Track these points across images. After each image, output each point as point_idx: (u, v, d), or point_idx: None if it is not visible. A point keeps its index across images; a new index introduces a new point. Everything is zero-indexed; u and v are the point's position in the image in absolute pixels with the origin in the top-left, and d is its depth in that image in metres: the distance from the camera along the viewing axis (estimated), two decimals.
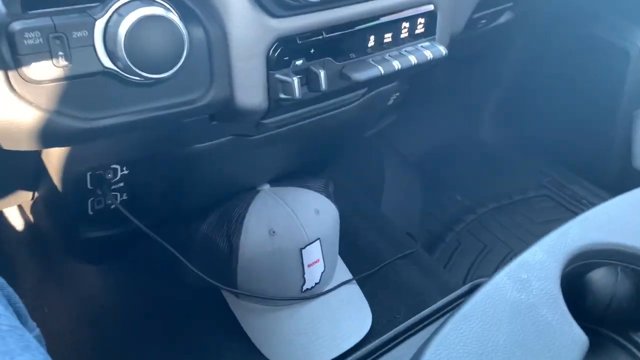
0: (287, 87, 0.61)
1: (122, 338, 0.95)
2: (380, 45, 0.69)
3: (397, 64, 0.67)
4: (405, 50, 0.70)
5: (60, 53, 0.49)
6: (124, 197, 0.80)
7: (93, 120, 0.53)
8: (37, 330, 0.54)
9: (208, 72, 0.57)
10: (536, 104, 1.58)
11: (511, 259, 1.40)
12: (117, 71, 0.52)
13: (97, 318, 0.97)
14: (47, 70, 0.49)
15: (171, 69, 0.53)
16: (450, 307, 0.99)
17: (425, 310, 0.91)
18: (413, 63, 0.69)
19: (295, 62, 0.62)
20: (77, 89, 0.51)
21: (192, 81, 0.57)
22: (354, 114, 0.86)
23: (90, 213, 0.78)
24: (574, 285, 0.56)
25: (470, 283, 1.02)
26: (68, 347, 0.95)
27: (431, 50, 0.71)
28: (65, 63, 0.49)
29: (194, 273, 0.81)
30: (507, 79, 1.62)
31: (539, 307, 0.49)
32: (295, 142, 0.87)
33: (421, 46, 0.72)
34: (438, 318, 0.96)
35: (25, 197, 0.76)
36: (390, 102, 1.04)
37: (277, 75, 0.61)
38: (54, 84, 0.50)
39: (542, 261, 0.53)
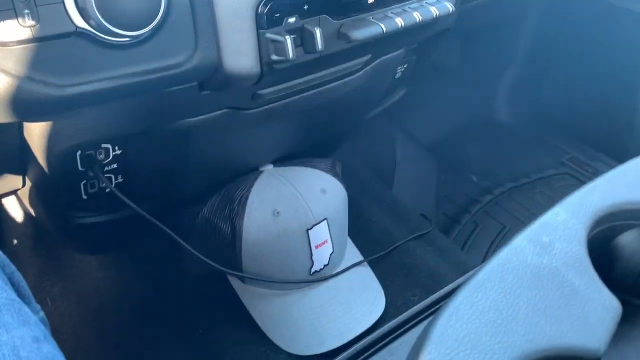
0: (279, 47, 0.56)
1: (126, 330, 0.91)
2: (382, 1, 0.64)
3: (399, 21, 0.62)
4: (409, 7, 0.65)
5: (26, 11, 0.45)
6: (119, 180, 0.76)
7: (68, 86, 0.49)
8: (42, 313, 0.51)
9: (192, 32, 0.53)
10: (554, 79, 1.52)
11: None
12: (91, 31, 0.48)
13: (100, 310, 0.94)
14: (12, 31, 0.45)
15: (148, 25, 0.48)
16: None
17: (441, 291, 0.86)
18: (417, 20, 0.64)
19: (287, 20, 0.57)
20: (48, 51, 0.47)
21: (175, 43, 0.52)
22: (358, 85, 0.81)
23: (84, 197, 0.74)
24: (601, 250, 0.50)
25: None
26: (72, 339, 0.92)
27: (437, 7, 0.66)
28: (32, 22, 0.45)
29: (197, 259, 0.76)
30: (522, 54, 1.56)
31: (563, 271, 0.44)
32: (296, 118, 0.83)
33: (426, 2, 0.67)
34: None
35: (15, 183, 0.72)
36: (398, 74, 0.99)
37: (268, 35, 0.56)
38: (22, 46, 0.46)
39: (565, 222, 0.48)
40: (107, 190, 0.76)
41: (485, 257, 1.24)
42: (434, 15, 0.65)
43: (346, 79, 0.77)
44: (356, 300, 0.87)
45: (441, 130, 1.62)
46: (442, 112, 1.63)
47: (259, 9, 0.55)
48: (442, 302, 0.85)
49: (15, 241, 1.01)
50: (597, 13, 1.35)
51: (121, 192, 0.74)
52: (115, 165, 0.73)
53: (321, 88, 0.75)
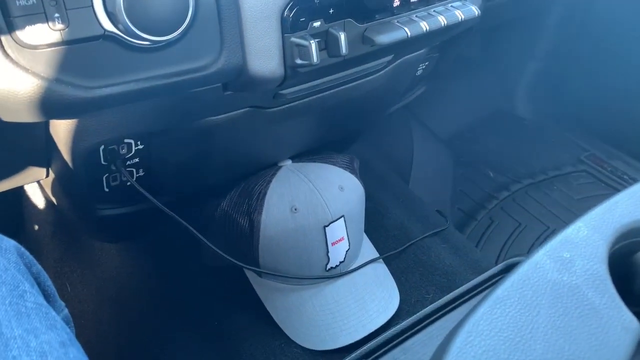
0: (303, 51, 0.56)
1: (143, 318, 0.93)
2: (407, 4, 0.64)
3: (424, 25, 0.62)
4: (434, 11, 0.65)
5: (57, 15, 0.45)
6: (140, 174, 0.77)
7: (95, 88, 0.49)
8: (66, 311, 0.52)
9: (218, 36, 0.53)
10: (575, 74, 1.49)
11: (548, 237, 1.34)
12: (119, 35, 0.48)
13: (118, 298, 0.96)
14: (43, 34, 0.46)
15: (175, 30, 0.49)
16: (482, 288, 0.93)
17: (456, 290, 0.86)
18: (442, 24, 0.63)
19: (312, 24, 0.57)
20: (76, 54, 0.48)
21: (201, 46, 0.53)
22: (379, 84, 0.80)
23: (106, 190, 0.75)
24: (622, 266, 0.50)
25: (505, 262, 0.97)
26: (89, 327, 0.94)
27: (462, 10, 0.65)
28: (62, 26, 0.46)
29: (214, 252, 0.77)
30: (544, 49, 1.53)
31: (583, 289, 0.44)
32: (317, 115, 0.83)
33: (452, 6, 0.66)
34: (470, 299, 0.91)
35: (39, 174, 0.73)
36: (419, 72, 0.99)
37: (293, 39, 0.56)
38: (52, 49, 0.46)
39: (586, 238, 0.48)
40: (129, 183, 0.77)
41: (499, 256, 1.24)
42: (460, 19, 0.65)
43: (368, 78, 0.77)
44: (371, 297, 0.88)
45: (459, 124, 1.61)
46: (460, 105, 1.61)
47: (285, 13, 0.55)
48: (456, 303, 0.85)
49: (36, 227, 1.02)
50: (622, 7, 1.32)
51: (142, 185, 0.75)
52: (137, 160, 0.74)
53: (343, 87, 0.75)
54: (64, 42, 0.46)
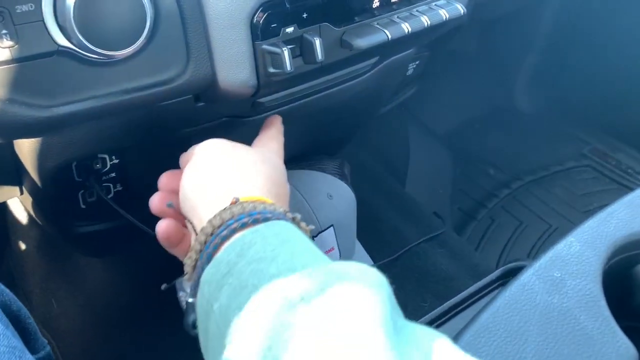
0: (276, 59, 0.53)
1: (131, 336, 0.90)
2: (388, 5, 0.60)
3: (406, 27, 0.58)
4: (417, 11, 0.61)
5: (4, 32, 0.42)
6: (118, 188, 0.74)
7: (52, 107, 0.46)
8: (48, 349, 0.50)
9: (183, 46, 0.50)
10: (575, 66, 1.45)
11: (550, 236, 1.29)
12: (73, 49, 0.45)
13: (105, 314, 0.93)
14: None
15: (133, 43, 0.45)
16: (480, 295, 0.90)
17: (454, 298, 0.82)
18: (426, 25, 0.60)
19: (285, 30, 0.53)
20: (29, 72, 0.45)
21: (165, 57, 0.50)
22: (366, 86, 0.77)
23: (83, 207, 0.72)
24: (618, 280, 0.47)
25: (502, 268, 0.93)
26: (76, 344, 0.92)
27: (447, 9, 0.62)
28: (11, 43, 0.43)
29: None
30: (542, 41, 1.49)
31: (575, 312, 0.41)
32: (301, 121, 0.79)
33: (435, 4, 0.62)
34: (466, 307, 0.88)
35: (12, 192, 0.71)
36: (410, 71, 0.95)
37: (264, 46, 0.53)
38: (1, 67, 0.43)
39: (579, 254, 0.44)
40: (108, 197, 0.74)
41: (500, 258, 1.20)
42: (444, 18, 0.61)
43: (352, 82, 0.74)
44: None
45: (457, 120, 1.57)
46: (458, 101, 1.58)
47: (254, 20, 0.51)
48: (451, 313, 0.82)
49: (21, 243, 1.00)
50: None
51: (122, 200, 0.72)
52: (113, 174, 0.71)
53: (325, 92, 0.72)
54: (14, 60, 0.44)
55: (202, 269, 0.38)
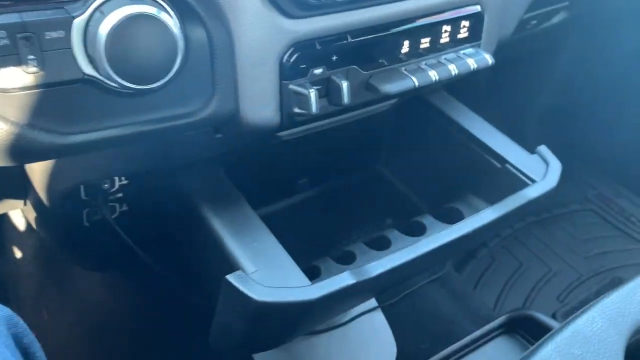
0: (302, 100, 0.52)
1: (123, 350, 0.88)
2: (416, 51, 0.59)
3: (434, 75, 0.58)
4: (445, 59, 0.60)
5: (31, 57, 0.41)
6: (124, 208, 0.72)
7: (72, 135, 0.45)
8: None
9: (209, 80, 0.49)
10: (587, 110, 1.45)
11: (549, 280, 1.26)
12: (99, 79, 0.44)
13: (97, 331, 0.91)
14: (15, 77, 0.41)
15: (162, 78, 0.44)
16: (481, 342, 0.88)
17: (454, 345, 0.81)
18: (453, 74, 0.59)
19: (313, 71, 0.52)
20: (52, 98, 0.43)
21: (190, 90, 0.49)
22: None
23: (86, 224, 0.71)
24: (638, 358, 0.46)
25: (506, 315, 0.92)
26: (67, 357, 0.89)
27: (475, 59, 0.61)
28: (36, 69, 0.42)
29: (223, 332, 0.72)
30: (555, 84, 1.49)
31: None
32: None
33: (464, 53, 0.62)
34: (467, 353, 0.86)
35: (16, 204, 0.69)
36: None
37: (292, 86, 0.52)
38: (24, 92, 0.42)
39: (601, 332, 0.43)
40: (113, 216, 0.72)
41: (498, 299, 1.19)
42: (472, 68, 0.60)
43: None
44: (365, 351, 0.83)
45: None
46: None
47: (284, 59, 0.51)
48: (453, 357, 0.80)
49: (17, 250, 0.98)
50: (636, 49, 1.29)
51: (125, 220, 0.71)
52: (120, 195, 0.70)
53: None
54: (38, 86, 0.42)
55: None
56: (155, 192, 0.70)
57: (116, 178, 0.67)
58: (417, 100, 0.80)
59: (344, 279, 0.51)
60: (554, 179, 0.66)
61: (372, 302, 0.92)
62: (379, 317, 0.90)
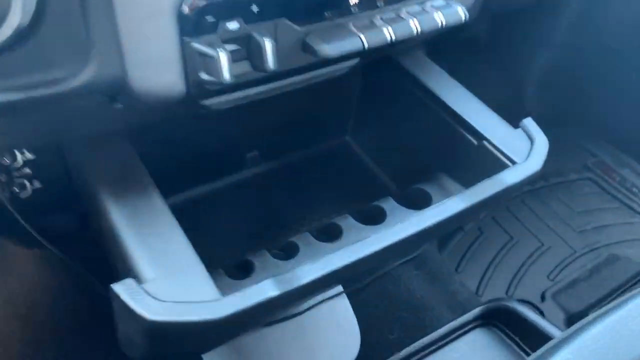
0: (210, 63, 0.40)
1: (56, 341, 0.80)
2: (370, 2, 0.47)
3: (388, 33, 0.45)
4: (407, 12, 0.48)
5: None
6: (37, 186, 0.62)
7: None
8: None
9: (82, 37, 0.37)
10: (590, 70, 1.33)
11: (540, 255, 1.15)
12: None
13: (29, 314, 0.83)
14: None
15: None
16: (455, 335, 0.79)
17: (426, 337, 0.73)
18: (415, 32, 0.47)
19: (225, 25, 0.40)
20: None
21: (55, 51, 0.37)
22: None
23: None
24: None
25: (482, 307, 0.83)
26: None
27: (444, 13, 0.48)
28: None
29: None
30: (559, 38, 1.36)
31: None
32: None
33: (432, 5, 0.49)
34: (439, 348, 0.78)
35: None
36: None
37: (195, 45, 0.40)
38: None
39: None
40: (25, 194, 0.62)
41: (483, 278, 1.10)
42: (440, 25, 0.48)
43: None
44: (325, 343, 0.74)
45: None
46: None
47: (183, 9, 0.38)
48: (424, 351, 0.71)
49: None
50: None
51: (43, 199, 0.61)
52: (28, 170, 0.59)
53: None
54: None
55: None
56: (65, 170, 0.59)
57: (18, 153, 0.56)
58: (388, 62, 0.68)
59: (263, 290, 0.41)
60: (539, 161, 0.55)
61: (337, 288, 0.82)
62: (343, 304, 0.81)
